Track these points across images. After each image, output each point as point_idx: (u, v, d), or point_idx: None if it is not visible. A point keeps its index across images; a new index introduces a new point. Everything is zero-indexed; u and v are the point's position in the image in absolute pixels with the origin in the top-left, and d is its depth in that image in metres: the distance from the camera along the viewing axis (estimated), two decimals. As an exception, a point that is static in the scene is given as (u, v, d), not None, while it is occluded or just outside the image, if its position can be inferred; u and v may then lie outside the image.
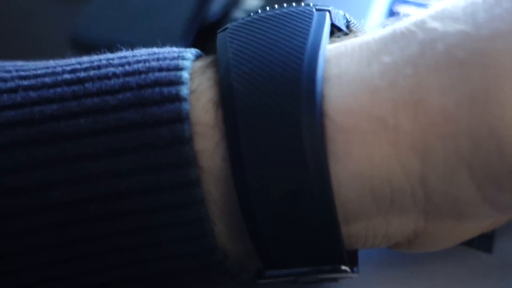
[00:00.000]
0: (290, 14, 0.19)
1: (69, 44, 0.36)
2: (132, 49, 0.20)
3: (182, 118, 0.17)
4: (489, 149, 0.16)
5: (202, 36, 0.37)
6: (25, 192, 0.17)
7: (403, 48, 0.17)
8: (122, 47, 0.35)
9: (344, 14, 0.20)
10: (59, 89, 0.18)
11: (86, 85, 0.18)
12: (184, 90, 0.17)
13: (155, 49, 0.20)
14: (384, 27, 0.19)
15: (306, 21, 0.18)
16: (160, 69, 0.18)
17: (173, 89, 0.17)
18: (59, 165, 0.17)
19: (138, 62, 0.18)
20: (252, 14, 0.19)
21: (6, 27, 0.41)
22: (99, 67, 0.18)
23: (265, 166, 0.16)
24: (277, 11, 0.19)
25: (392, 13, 0.30)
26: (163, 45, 0.35)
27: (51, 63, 0.20)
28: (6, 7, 0.43)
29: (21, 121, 0.17)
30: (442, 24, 0.17)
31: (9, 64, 0.20)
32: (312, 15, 0.19)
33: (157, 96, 0.17)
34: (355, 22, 0.21)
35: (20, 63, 0.20)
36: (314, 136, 0.16)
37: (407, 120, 0.16)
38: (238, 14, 0.39)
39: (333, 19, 0.19)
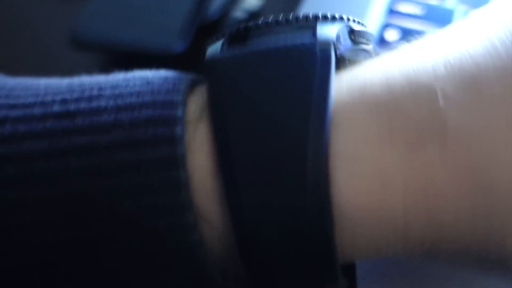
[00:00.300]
0: (289, 60, 0.16)
1: (68, 43, 0.36)
2: (127, 67, 0.20)
3: (177, 163, 0.16)
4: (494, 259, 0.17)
5: (202, 35, 0.37)
6: (14, 232, 0.16)
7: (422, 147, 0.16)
8: (121, 49, 0.35)
9: (348, 22, 0.18)
10: (48, 124, 0.17)
11: (77, 120, 0.17)
12: (179, 131, 0.16)
13: (149, 75, 0.19)
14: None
15: (308, 75, 0.16)
16: (154, 105, 0.17)
17: (167, 130, 0.16)
18: (48, 205, 0.16)
19: (131, 94, 0.17)
20: (240, 48, 0.17)
21: (5, 26, 0.41)
22: (90, 99, 0.17)
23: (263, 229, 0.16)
24: (271, 50, 0.17)
25: (391, 11, 0.30)
26: (163, 43, 0.35)
27: (42, 87, 0.19)
28: (5, 6, 0.43)
29: (9, 157, 0.16)
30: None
31: None
32: (315, 61, 0.16)
33: (151, 137, 0.16)
34: (359, 26, 0.19)
35: (10, 83, 0.19)
36: (323, 228, 0.16)
37: (418, 224, 0.16)
38: (238, 13, 0.39)
39: (338, 45, 0.17)
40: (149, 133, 0.16)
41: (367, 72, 0.17)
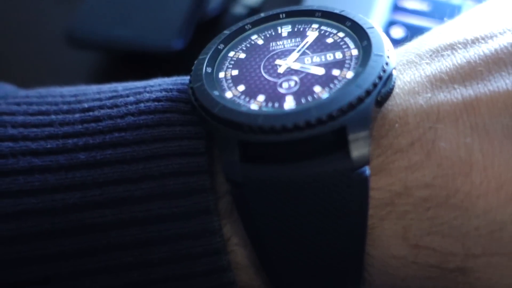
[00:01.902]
0: (325, 189, 0.16)
1: (65, 41, 0.35)
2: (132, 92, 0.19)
3: (210, 210, 0.17)
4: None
5: (201, 32, 0.36)
6: (55, 282, 0.17)
7: None
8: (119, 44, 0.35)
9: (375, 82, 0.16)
10: (78, 174, 0.17)
11: (105, 169, 0.17)
12: (207, 179, 0.17)
13: (162, 112, 0.18)
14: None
15: (346, 203, 0.16)
16: (182, 154, 0.17)
17: (199, 181, 0.17)
18: (87, 255, 0.17)
19: (154, 139, 0.17)
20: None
21: (3, 23, 0.41)
22: (114, 145, 0.17)
23: None
24: (307, 177, 0.16)
25: (396, 8, 0.29)
26: (161, 41, 0.34)
27: (56, 120, 0.18)
28: (3, 3, 0.42)
29: (43, 210, 0.17)
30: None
31: (9, 120, 0.18)
32: (352, 187, 0.16)
33: (183, 188, 0.17)
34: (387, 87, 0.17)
35: (20, 118, 0.19)
36: None
37: None
38: (238, 9, 0.38)
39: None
40: (181, 184, 0.17)
41: None
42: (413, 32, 0.28)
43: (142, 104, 0.18)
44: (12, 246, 0.16)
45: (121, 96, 0.19)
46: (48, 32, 0.39)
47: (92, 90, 0.20)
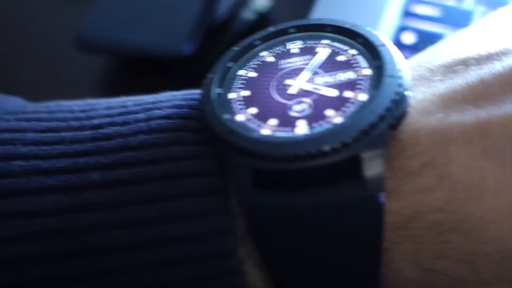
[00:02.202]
0: (340, 215, 0.16)
1: (75, 45, 0.36)
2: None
3: (225, 231, 0.16)
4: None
5: (210, 36, 0.36)
6: None
7: None
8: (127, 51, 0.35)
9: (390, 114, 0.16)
10: (91, 194, 0.17)
11: (118, 190, 0.17)
12: (222, 200, 0.16)
13: (174, 131, 0.18)
14: None
15: (361, 229, 0.16)
16: (196, 175, 0.17)
17: (213, 202, 0.16)
18: (100, 277, 0.16)
19: (167, 159, 0.17)
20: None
21: (12, 27, 0.41)
22: (126, 165, 0.17)
23: None
24: (322, 204, 0.15)
25: (407, 13, 0.29)
26: (171, 45, 0.34)
27: (67, 139, 0.18)
28: (12, 7, 0.42)
29: (57, 231, 0.16)
30: None
31: (19, 138, 0.18)
32: (367, 213, 0.16)
33: (197, 209, 0.16)
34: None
35: (30, 135, 0.18)
36: None
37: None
38: (247, 14, 0.38)
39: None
40: (195, 204, 0.16)
41: None
42: (424, 37, 0.28)
43: (153, 122, 0.18)
44: (26, 268, 0.16)
45: (131, 112, 0.19)
46: (58, 36, 0.39)
47: (102, 105, 0.20)
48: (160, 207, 0.16)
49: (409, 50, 0.28)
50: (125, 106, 0.19)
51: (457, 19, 0.28)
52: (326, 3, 0.30)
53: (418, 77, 0.17)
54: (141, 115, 0.18)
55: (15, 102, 0.21)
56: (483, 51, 0.17)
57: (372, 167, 0.15)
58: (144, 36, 0.35)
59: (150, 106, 0.19)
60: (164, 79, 0.36)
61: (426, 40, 0.28)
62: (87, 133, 0.18)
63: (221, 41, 0.37)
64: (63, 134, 0.18)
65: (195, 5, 0.36)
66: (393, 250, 0.16)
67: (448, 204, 0.15)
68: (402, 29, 0.28)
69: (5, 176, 0.17)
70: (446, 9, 0.29)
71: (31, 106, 0.20)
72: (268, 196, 0.16)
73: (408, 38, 0.28)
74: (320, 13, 0.30)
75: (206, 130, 0.17)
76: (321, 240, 0.16)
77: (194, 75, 0.37)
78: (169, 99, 0.19)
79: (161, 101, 0.19)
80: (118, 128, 0.18)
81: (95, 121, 0.18)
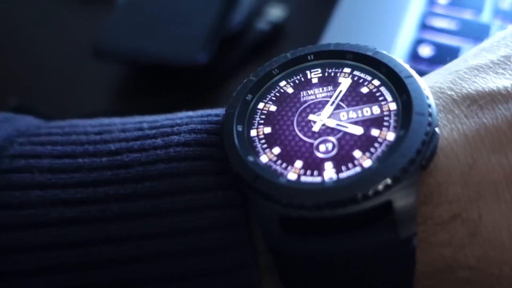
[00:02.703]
0: (374, 262, 0.15)
1: (91, 53, 0.36)
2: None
3: (249, 265, 0.16)
4: None
5: (225, 46, 0.37)
6: None
7: None
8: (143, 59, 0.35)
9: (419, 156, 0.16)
10: (111, 227, 0.16)
11: (139, 223, 0.16)
12: (245, 233, 0.16)
13: (194, 160, 0.17)
14: None
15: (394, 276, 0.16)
16: (218, 207, 0.16)
17: (237, 235, 0.16)
18: None
19: (188, 190, 0.17)
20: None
21: (29, 35, 0.41)
22: (146, 196, 0.17)
23: None
24: (355, 252, 0.15)
25: (424, 26, 0.29)
26: (186, 54, 0.35)
27: (85, 166, 0.18)
28: (29, 15, 0.42)
29: (79, 264, 0.16)
30: None
31: (35, 165, 0.18)
32: (399, 261, 0.15)
33: (220, 242, 0.16)
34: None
35: (46, 162, 0.18)
36: None
37: None
38: (261, 25, 0.38)
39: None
40: (218, 237, 0.16)
41: None
42: (441, 50, 0.28)
43: (171, 149, 0.17)
44: None
45: (148, 136, 0.18)
46: (74, 44, 0.39)
47: (117, 127, 0.19)
48: (182, 240, 0.16)
49: (426, 62, 0.28)
50: (141, 129, 0.19)
51: (474, 32, 0.28)
52: (343, 15, 0.30)
53: (441, 108, 0.17)
54: (159, 141, 0.18)
55: (27, 122, 0.20)
56: (508, 83, 0.16)
57: (405, 212, 0.15)
58: (160, 45, 0.35)
59: (168, 130, 0.18)
60: (178, 88, 0.37)
61: (443, 52, 0.27)
62: (104, 160, 0.18)
63: (235, 51, 0.38)
64: (80, 160, 0.18)
65: (210, 15, 0.36)
66: None
67: (480, 263, 0.15)
68: (419, 41, 0.28)
69: (24, 206, 0.17)
70: (463, 22, 0.29)
71: (44, 126, 0.20)
72: (298, 241, 0.15)
73: (425, 50, 0.28)
74: (337, 25, 0.30)
75: (231, 173, 0.16)
76: (351, 284, 0.16)
77: (208, 84, 0.37)
78: (187, 122, 0.18)
79: (178, 125, 0.18)
80: (136, 155, 0.17)
81: (112, 146, 0.18)
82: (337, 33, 0.29)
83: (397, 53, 0.28)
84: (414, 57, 0.28)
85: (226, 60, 0.37)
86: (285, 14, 0.39)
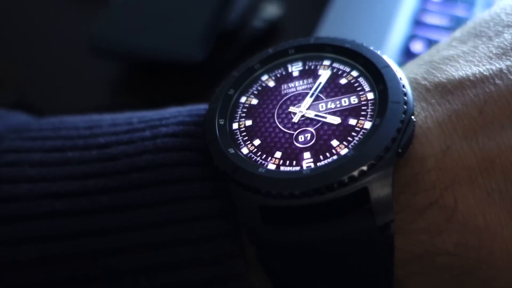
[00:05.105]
0: (351, 250, 0.16)
1: (87, 50, 0.36)
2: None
3: (236, 254, 0.16)
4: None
5: (221, 44, 0.37)
6: None
7: None
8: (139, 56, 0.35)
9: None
10: (100, 219, 0.17)
11: (128, 214, 0.17)
12: (232, 223, 0.16)
13: (181, 150, 0.18)
14: None
15: (371, 262, 0.16)
16: (205, 197, 0.16)
17: (224, 225, 0.16)
18: None
19: (175, 181, 0.17)
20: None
21: (24, 31, 0.41)
22: (134, 187, 0.17)
23: None
24: (331, 240, 0.15)
25: (417, 22, 0.29)
26: (183, 52, 0.35)
27: (74, 159, 0.18)
28: (25, 12, 0.43)
29: (68, 255, 0.16)
30: None
31: (25, 159, 0.18)
32: (376, 248, 0.16)
33: (208, 232, 0.16)
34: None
35: (36, 156, 0.18)
36: None
37: None
38: (257, 23, 0.38)
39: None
40: (205, 227, 0.16)
41: None
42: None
43: (159, 140, 0.17)
44: None
45: (137, 130, 0.18)
46: (71, 40, 0.40)
47: (107, 121, 0.19)
48: (169, 230, 0.16)
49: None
50: (130, 123, 0.19)
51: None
52: (337, 12, 0.31)
53: (416, 97, 0.17)
54: (147, 133, 0.18)
55: (18, 118, 0.21)
56: (476, 70, 0.17)
57: (381, 199, 0.15)
58: (157, 42, 0.35)
59: (156, 123, 0.18)
60: (175, 84, 0.37)
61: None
62: (94, 153, 0.18)
63: (232, 48, 0.38)
64: (69, 154, 0.18)
65: (207, 13, 0.36)
66: (404, 284, 0.16)
67: (457, 249, 0.15)
68: (412, 37, 0.29)
69: (14, 200, 0.17)
70: (456, 19, 0.29)
71: (34, 122, 0.20)
72: (278, 231, 0.15)
73: (418, 46, 0.28)
74: (331, 22, 0.30)
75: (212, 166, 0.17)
76: (331, 272, 0.16)
77: (205, 81, 0.38)
78: (175, 115, 0.19)
79: (166, 118, 0.18)
80: (124, 147, 0.18)
81: (101, 140, 0.18)
82: (331, 29, 0.30)
83: (390, 49, 0.28)
84: (407, 53, 0.28)
85: (222, 57, 0.37)
86: (281, 11, 0.39)
